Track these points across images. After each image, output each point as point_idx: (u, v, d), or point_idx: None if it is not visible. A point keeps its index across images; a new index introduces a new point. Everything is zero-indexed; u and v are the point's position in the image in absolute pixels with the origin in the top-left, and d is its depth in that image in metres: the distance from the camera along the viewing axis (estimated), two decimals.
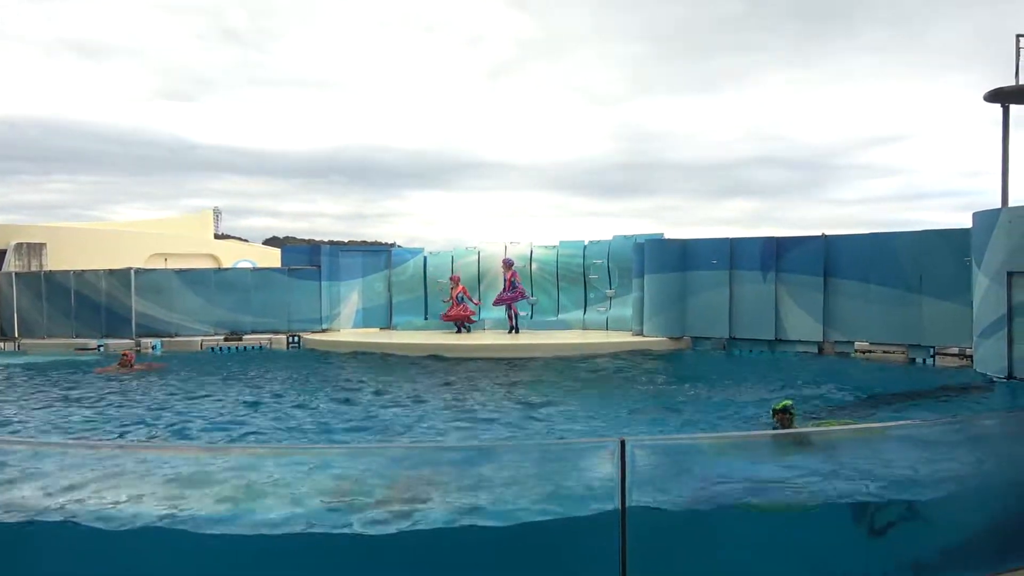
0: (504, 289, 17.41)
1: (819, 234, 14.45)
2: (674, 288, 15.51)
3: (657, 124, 61.14)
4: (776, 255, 14.66)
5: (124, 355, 13.17)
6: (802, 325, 14.43)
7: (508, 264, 17.59)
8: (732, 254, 15.08)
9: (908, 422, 7.18)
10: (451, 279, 17.84)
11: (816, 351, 14.29)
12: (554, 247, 18.67)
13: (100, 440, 7.66)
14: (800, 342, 14.47)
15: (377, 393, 10.81)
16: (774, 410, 6.50)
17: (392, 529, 3.93)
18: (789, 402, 6.54)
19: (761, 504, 4.14)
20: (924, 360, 13.10)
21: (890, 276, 13.45)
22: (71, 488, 4.15)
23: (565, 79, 60.32)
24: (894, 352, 13.50)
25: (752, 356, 14.60)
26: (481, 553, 3.96)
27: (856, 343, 14.01)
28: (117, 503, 4.12)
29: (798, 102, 56.76)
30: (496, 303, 17.58)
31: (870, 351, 13.79)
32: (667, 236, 16.65)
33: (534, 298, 18.46)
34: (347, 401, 10.20)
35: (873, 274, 13.66)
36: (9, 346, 16.89)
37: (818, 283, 14.22)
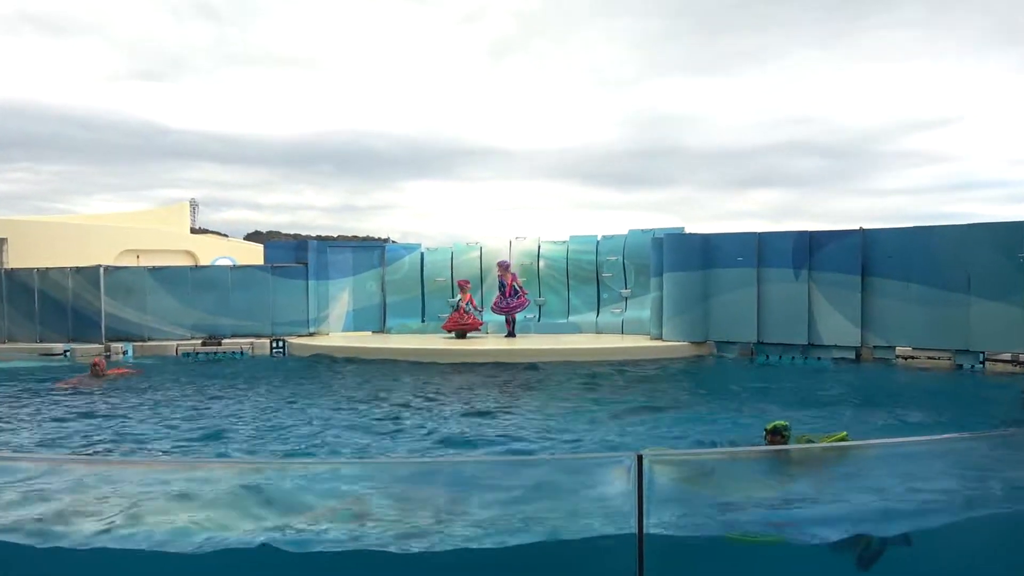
0: (505, 295, 17.40)
1: (856, 228, 14.45)
2: (696, 288, 15.51)
3: (673, 108, 61.27)
4: (809, 251, 14.65)
5: (95, 363, 13.12)
6: (838, 329, 14.42)
7: (505, 266, 17.61)
8: (760, 250, 15.08)
9: (922, 438, 7.15)
10: (459, 284, 17.81)
11: (854, 357, 14.27)
12: (564, 242, 18.70)
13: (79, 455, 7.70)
14: (836, 347, 14.46)
15: (381, 402, 10.86)
16: (766, 430, 6.53)
17: (388, 549, 3.94)
18: (784, 423, 6.57)
19: (741, 536, 4.16)
20: (972, 367, 13.09)
21: (935, 274, 13.43)
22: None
23: (571, 58, 60.49)
24: (939, 358, 13.48)
25: (782, 363, 14.60)
26: None
27: (897, 348, 14.00)
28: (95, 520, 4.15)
29: (830, 83, 56.81)
30: (497, 311, 17.57)
31: (912, 357, 13.78)
32: (687, 230, 16.66)
33: (542, 299, 18.50)
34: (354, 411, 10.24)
35: (916, 272, 13.65)
36: None
37: (855, 282, 14.21)
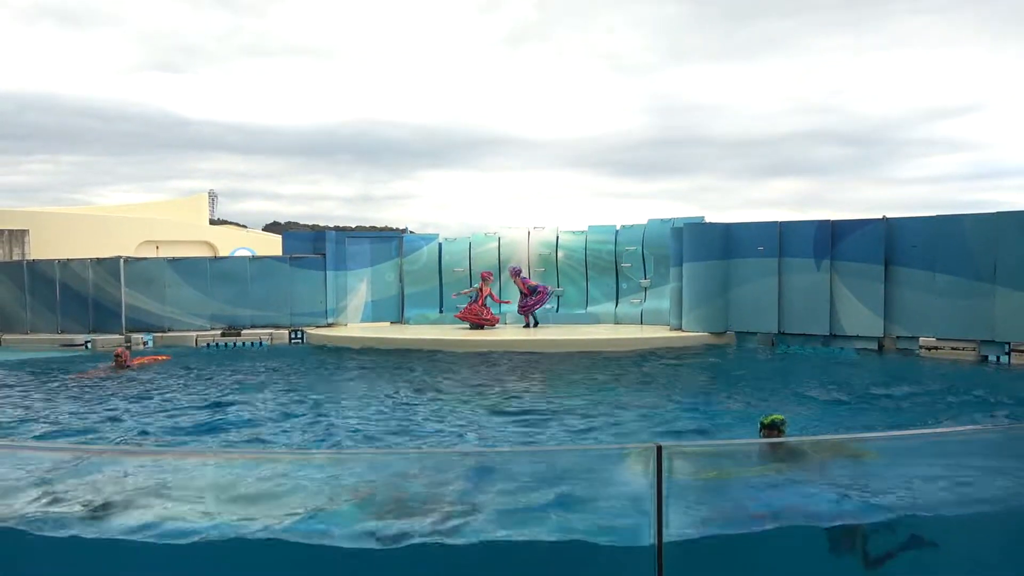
0: (524, 295, 17.33)
1: (879, 217, 14.31)
2: (716, 278, 15.44)
3: (694, 95, 60.86)
4: (831, 241, 14.54)
5: (117, 355, 13.17)
6: (860, 319, 14.31)
7: (516, 272, 17.58)
8: (781, 240, 14.98)
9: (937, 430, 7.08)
10: (483, 275, 17.77)
11: (876, 348, 14.17)
12: (583, 232, 18.65)
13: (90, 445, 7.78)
14: (858, 338, 14.36)
15: (396, 393, 10.91)
16: (762, 424, 6.49)
17: (388, 544, 3.94)
18: (780, 417, 6.53)
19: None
20: (998, 358, 12.94)
21: (960, 264, 13.28)
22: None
23: (591, 46, 60.15)
24: (963, 349, 13.35)
25: (804, 353, 14.50)
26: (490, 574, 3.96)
27: (921, 339, 13.87)
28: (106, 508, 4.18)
29: (853, 70, 56.16)
30: (520, 311, 17.50)
31: (936, 348, 13.64)
32: (708, 220, 16.58)
33: (560, 288, 18.47)
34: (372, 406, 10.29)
35: (940, 262, 13.50)
36: None
37: (878, 272, 14.09)
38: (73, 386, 11.60)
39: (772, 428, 6.37)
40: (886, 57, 56.16)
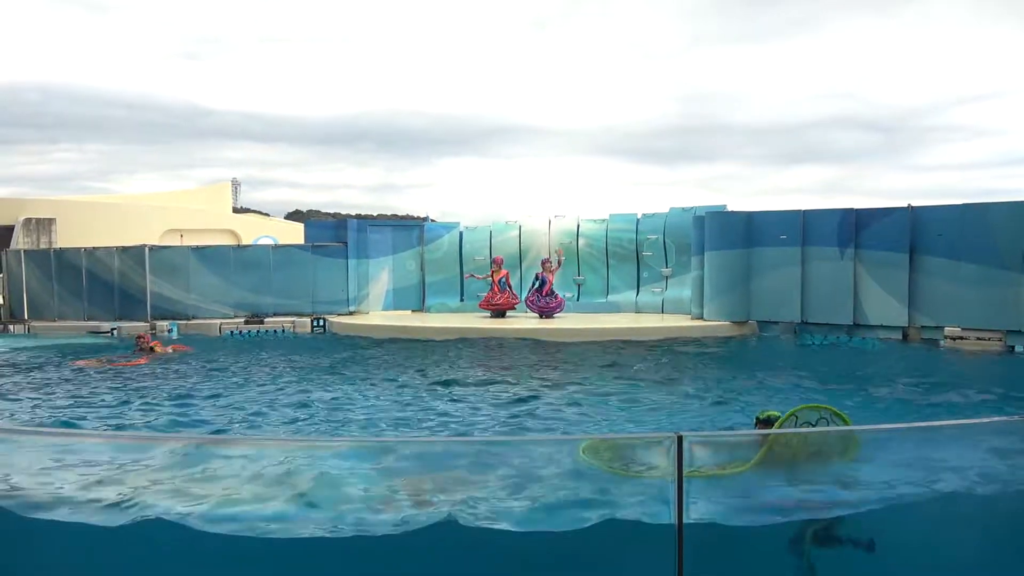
0: (542, 293, 17.22)
1: (904, 205, 14.16)
2: (738, 267, 15.35)
3: (717, 81, 60.38)
4: (855, 229, 14.40)
5: (140, 338, 13.22)
6: (884, 308, 14.18)
7: (548, 265, 17.48)
8: (804, 228, 14.86)
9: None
10: (494, 261, 17.74)
11: (900, 338, 14.04)
12: (604, 221, 18.60)
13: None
14: (882, 327, 14.23)
15: (416, 383, 10.95)
16: (758, 419, 6.46)
17: (403, 531, 3.96)
18: (775, 413, 6.51)
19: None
20: None
21: (986, 253, 13.10)
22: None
23: (615, 31, 59.79)
24: (989, 339, 13.20)
25: (827, 343, 14.40)
26: (506, 563, 3.97)
27: (946, 329, 13.73)
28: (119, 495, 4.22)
29: (878, 54, 55.39)
30: (532, 307, 17.19)
31: (962, 338, 13.50)
32: (730, 208, 16.48)
33: (581, 277, 18.45)
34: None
35: (966, 250, 13.34)
36: (19, 329, 17.44)
37: (903, 261, 13.94)
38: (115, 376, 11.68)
39: (768, 424, 6.36)
40: (912, 41, 55.47)
